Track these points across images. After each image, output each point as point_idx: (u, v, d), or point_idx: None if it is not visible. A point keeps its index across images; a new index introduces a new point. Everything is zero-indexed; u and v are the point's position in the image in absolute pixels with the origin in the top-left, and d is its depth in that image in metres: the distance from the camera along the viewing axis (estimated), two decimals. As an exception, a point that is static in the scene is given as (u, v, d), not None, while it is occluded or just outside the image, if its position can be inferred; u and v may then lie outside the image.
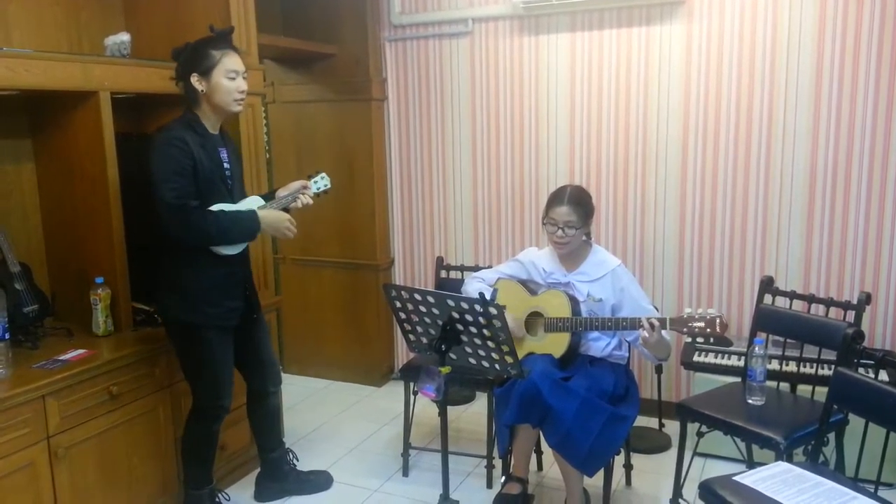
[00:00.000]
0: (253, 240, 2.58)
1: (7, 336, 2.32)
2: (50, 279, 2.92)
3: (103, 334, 2.72)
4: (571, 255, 2.73)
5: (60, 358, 2.47)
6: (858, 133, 3.19)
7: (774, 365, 2.95)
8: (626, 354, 2.78)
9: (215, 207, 2.48)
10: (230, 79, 2.48)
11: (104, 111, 2.64)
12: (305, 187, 2.69)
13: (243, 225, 2.49)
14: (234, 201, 2.56)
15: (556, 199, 2.67)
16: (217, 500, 2.84)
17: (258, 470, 3.08)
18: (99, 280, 2.71)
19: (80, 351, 2.54)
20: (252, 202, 2.62)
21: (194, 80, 2.47)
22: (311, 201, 2.70)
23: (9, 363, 2.32)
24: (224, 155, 2.58)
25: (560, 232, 2.63)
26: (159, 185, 2.38)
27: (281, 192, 2.70)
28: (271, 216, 2.57)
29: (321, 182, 2.75)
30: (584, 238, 2.73)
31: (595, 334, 2.70)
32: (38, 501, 2.30)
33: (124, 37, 2.88)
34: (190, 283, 2.51)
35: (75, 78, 2.55)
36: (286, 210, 2.68)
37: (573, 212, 2.61)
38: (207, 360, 2.59)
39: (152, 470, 2.74)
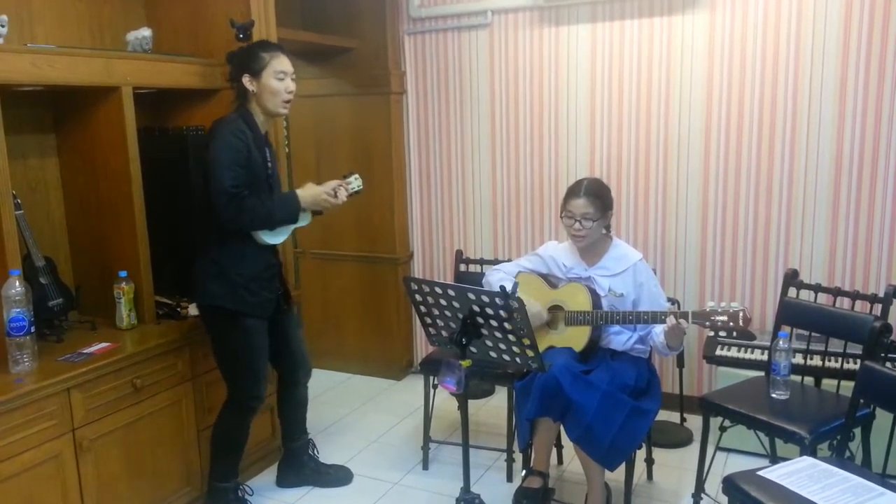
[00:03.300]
0: (296, 220, 2.64)
1: (32, 329, 2.35)
2: (74, 273, 2.95)
3: (127, 327, 2.75)
4: (592, 249, 2.71)
5: (85, 351, 2.50)
6: (885, 122, 3.13)
7: (799, 359, 2.92)
8: (648, 348, 2.76)
9: None
10: (279, 79, 2.58)
11: (127, 106, 2.67)
12: (344, 186, 2.76)
13: (287, 204, 2.59)
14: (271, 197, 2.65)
15: (572, 191, 2.66)
16: (241, 494, 2.86)
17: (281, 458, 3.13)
18: (122, 274, 2.74)
19: (104, 344, 2.57)
20: None
21: (246, 80, 2.58)
22: (345, 198, 2.74)
23: (34, 356, 2.35)
24: (268, 154, 2.68)
25: (577, 224, 2.61)
26: (219, 172, 2.45)
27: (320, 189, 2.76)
28: (308, 191, 2.66)
29: (355, 183, 2.80)
30: (603, 231, 2.71)
31: (616, 328, 2.68)
32: (64, 493, 2.33)
33: (146, 32, 2.90)
34: (234, 270, 2.58)
35: (98, 73, 2.58)
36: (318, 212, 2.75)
37: (590, 203, 2.59)
38: (245, 348, 2.65)
39: (176, 462, 2.76)
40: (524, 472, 2.74)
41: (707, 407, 2.64)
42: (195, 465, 2.84)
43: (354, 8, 4.02)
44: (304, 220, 2.70)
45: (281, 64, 2.59)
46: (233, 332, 2.64)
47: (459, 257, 3.51)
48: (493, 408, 3.86)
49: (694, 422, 3.34)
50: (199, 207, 2.65)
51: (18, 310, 2.29)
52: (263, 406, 2.80)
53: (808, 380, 2.80)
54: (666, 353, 2.65)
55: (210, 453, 2.78)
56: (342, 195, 2.72)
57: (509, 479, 3.10)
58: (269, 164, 2.67)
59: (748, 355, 3.15)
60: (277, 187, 2.72)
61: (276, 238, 2.65)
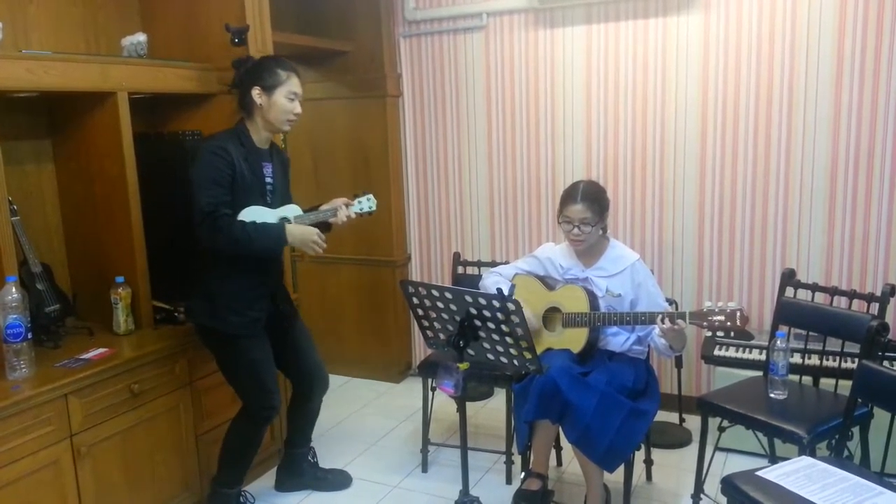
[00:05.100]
0: (280, 252, 2.59)
1: (29, 336, 2.34)
2: (71, 279, 2.95)
3: (124, 333, 2.74)
4: (589, 250, 2.72)
5: (82, 357, 2.49)
6: (881, 122, 3.14)
7: (797, 358, 2.92)
8: (646, 349, 2.76)
9: (250, 210, 2.51)
10: (290, 100, 2.56)
11: (122, 111, 2.67)
12: (347, 204, 2.70)
13: (270, 236, 2.49)
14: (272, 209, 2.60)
15: (569, 196, 2.65)
16: (243, 500, 2.86)
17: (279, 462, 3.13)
18: (119, 279, 2.74)
19: (102, 350, 2.57)
20: (290, 210, 2.64)
21: (255, 93, 2.53)
22: (345, 219, 2.68)
23: (31, 363, 2.35)
24: (268, 170, 2.63)
25: (576, 230, 2.61)
26: (197, 192, 2.43)
27: (323, 207, 2.71)
28: (299, 230, 2.55)
29: (366, 203, 2.75)
30: (600, 233, 2.72)
31: (614, 329, 2.68)
32: (62, 499, 2.33)
33: (141, 37, 2.90)
34: (216, 289, 2.56)
35: (93, 79, 2.57)
36: (325, 224, 2.69)
37: (588, 208, 2.60)
38: (246, 364, 2.63)
39: (174, 467, 2.76)
40: (523, 474, 2.74)
41: (705, 407, 2.64)
42: (193, 469, 2.84)
43: (350, 11, 4.02)
44: None
45: (296, 86, 2.56)
46: (227, 350, 2.63)
47: (457, 260, 3.51)
48: (492, 410, 3.86)
49: (693, 422, 3.33)
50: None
51: (15, 316, 2.29)
52: (279, 412, 2.78)
53: (806, 379, 2.80)
54: (669, 355, 2.65)
55: (219, 458, 2.78)
56: (342, 215, 2.66)
57: (508, 481, 3.10)
58: (269, 180, 2.62)
59: (746, 355, 3.15)
60: (278, 203, 2.64)
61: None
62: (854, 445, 2.40)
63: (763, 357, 2.99)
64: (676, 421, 3.48)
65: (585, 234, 2.62)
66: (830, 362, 2.89)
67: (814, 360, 2.88)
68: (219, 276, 2.56)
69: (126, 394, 2.52)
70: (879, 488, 1.90)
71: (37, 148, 2.84)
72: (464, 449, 2.34)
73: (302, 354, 2.87)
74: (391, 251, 4.20)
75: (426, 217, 4.22)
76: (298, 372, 2.89)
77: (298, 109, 2.59)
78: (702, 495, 2.71)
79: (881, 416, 2.32)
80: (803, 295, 2.84)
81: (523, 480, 2.70)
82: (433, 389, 3.18)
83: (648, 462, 3.05)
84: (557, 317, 2.68)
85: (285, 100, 2.54)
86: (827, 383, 2.74)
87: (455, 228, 4.14)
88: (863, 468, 2.19)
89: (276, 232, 2.50)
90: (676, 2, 3.41)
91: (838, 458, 2.24)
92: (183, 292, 2.79)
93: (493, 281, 2.79)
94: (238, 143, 2.53)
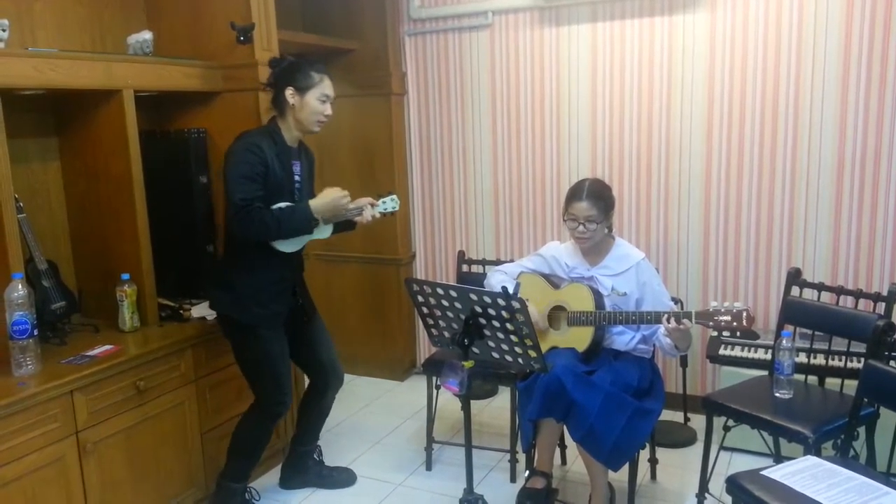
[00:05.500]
0: (311, 231, 2.59)
1: (35, 332, 2.35)
2: (77, 276, 2.95)
3: (130, 330, 2.75)
4: (594, 248, 2.71)
5: (88, 354, 2.50)
6: (888, 121, 3.12)
7: (802, 358, 2.90)
8: (651, 348, 2.75)
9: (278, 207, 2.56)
10: (321, 101, 2.61)
11: (128, 109, 2.68)
12: (373, 204, 2.73)
13: (297, 214, 2.53)
14: None
15: (574, 194, 2.65)
16: (248, 497, 2.87)
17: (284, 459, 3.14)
18: (125, 276, 2.74)
19: (107, 346, 2.57)
20: None
21: (288, 93, 2.57)
22: (370, 218, 2.70)
23: (37, 359, 2.35)
24: (297, 168, 2.69)
25: (581, 227, 2.61)
26: (230, 186, 2.48)
27: (349, 206, 2.72)
28: (321, 200, 2.58)
29: (390, 203, 2.78)
30: (605, 231, 2.71)
31: (619, 328, 2.68)
32: (68, 495, 2.33)
33: (147, 35, 2.90)
34: (240, 282, 2.61)
35: (99, 77, 2.58)
36: (350, 223, 2.75)
37: (593, 206, 2.59)
38: (263, 356, 2.67)
39: (180, 464, 2.77)
40: (527, 472, 2.74)
41: (710, 406, 2.64)
42: (199, 466, 2.84)
43: (355, 9, 4.02)
44: (323, 233, 2.68)
45: (328, 88, 2.62)
46: (247, 341, 2.67)
47: (462, 258, 3.51)
48: (497, 408, 3.86)
49: (698, 421, 3.33)
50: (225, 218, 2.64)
51: (21, 313, 2.29)
52: (289, 409, 2.82)
53: (812, 379, 2.80)
54: (674, 354, 2.64)
55: (227, 452, 2.80)
56: (367, 214, 2.69)
57: (513, 479, 3.10)
58: (297, 178, 2.67)
59: (752, 354, 3.14)
60: (305, 201, 2.64)
61: (286, 246, 2.62)
62: (860, 445, 2.40)
63: (768, 356, 2.99)
64: (681, 420, 3.48)
65: (590, 232, 2.61)
66: (836, 362, 2.88)
67: (819, 360, 2.87)
68: (244, 270, 2.61)
69: (131, 390, 2.53)
70: (885, 488, 1.90)
71: (43, 145, 2.85)
72: (468, 447, 2.34)
73: (319, 349, 2.92)
74: (396, 249, 4.20)
75: (431, 215, 4.22)
76: (315, 365, 2.94)
77: (329, 111, 2.64)
78: (706, 495, 2.71)
79: (887, 416, 2.31)
80: (809, 294, 2.83)
81: (527, 479, 2.70)
82: (438, 387, 3.18)
83: (653, 461, 3.04)
84: (563, 315, 2.68)
85: (317, 101, 2.59)
86: (832, 383, 2.74)
87: (460, 227, 4.14)
88: (868, 468, 2.18)
89: (301, 210, 2.54)
90: (682, 0, 3.40)
91: (844, 457, 2.23)
92: (186, 290, 2.83)
93: (498, 279, 2.79)
94: (271, 142, 2.58)
